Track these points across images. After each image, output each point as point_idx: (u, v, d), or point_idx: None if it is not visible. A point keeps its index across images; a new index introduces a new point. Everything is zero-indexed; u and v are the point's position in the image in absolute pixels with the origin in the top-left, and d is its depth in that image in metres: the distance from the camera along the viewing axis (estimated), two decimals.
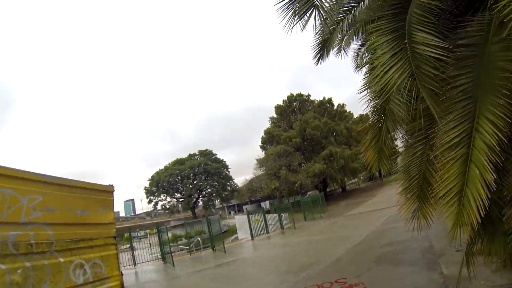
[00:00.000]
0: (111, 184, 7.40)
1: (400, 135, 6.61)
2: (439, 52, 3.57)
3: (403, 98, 4.43)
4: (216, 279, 11.53)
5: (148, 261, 18.97)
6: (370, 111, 5.72)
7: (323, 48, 7.62)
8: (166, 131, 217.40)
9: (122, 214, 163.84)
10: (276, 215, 25.21)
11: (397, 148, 6.71)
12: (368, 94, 5.74)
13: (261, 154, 51.58)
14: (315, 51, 7.70)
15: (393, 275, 7.88)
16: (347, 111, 56.94)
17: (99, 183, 7.32)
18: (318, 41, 7.46)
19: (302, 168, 44.49)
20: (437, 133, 4.05)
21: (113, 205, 7.26)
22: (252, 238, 21.59)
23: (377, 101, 5.40)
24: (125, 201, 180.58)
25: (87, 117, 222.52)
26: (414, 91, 4.23)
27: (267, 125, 54.40)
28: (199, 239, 22.64)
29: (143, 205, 74.91)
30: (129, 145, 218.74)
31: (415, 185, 5.06)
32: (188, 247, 21.62)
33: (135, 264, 18.37)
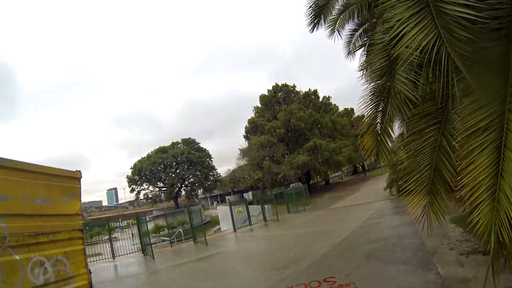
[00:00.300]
0: (78, 170, 6.59)
1: (399, 123, 6.01)
2: (471, 13, 2.84)
3: (413, 76, 3.83)
4: (196, 275, 10.79)
5: (129, 253, 17.98)
6: (370, 93, 4.96)
7: (319, 15, 6.96)
8: (149, 120, 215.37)
9: (105, 203, 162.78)
10: (259, 206, 24.56)
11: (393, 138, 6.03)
12: (367, 75, 5.14)
13: (244, 144, 50.94)
14: (310, 18, 7.05)
15: (385, 274, 7.27)
16: (333, 103, 56.76)
17: (64, 168, 6.47)
18: (313, 7, 6.79)
19: (286, 159, 43.93)
20: (456, 116, 3.42)
21: (80, 194, 6.45)
22: (235, 230, 20.94)
23: (379, 81, 4.70)
24: (107, 190, 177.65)
25: (69, 102, 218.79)
26: (424, 69, 3.66)
27: (251, 115, 53.72)
28: (181, 230, 21.94)
29: (126, 195, 73.58)
30: (112, 134, 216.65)
31: (426, 178, 4.31)
32: (169, 239, 20.85)
33: (114, 256, 17.40)
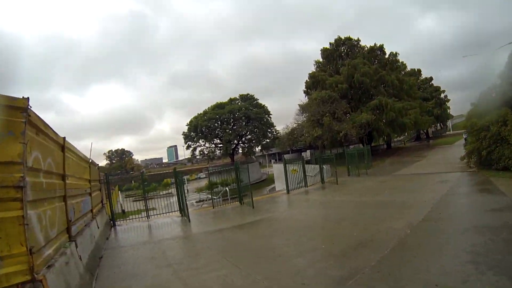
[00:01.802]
0: (25, 97, 4.33)
1: None
2: None
3: None
4: (226, 250, 8.61)
5: (169, 212, 16.57)
6: None
7: None
8: (208, 80, 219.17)
9: (165, 160, 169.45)
10: (317, 166, 22.05)
11: None
12: None
13: (304, 100, 47.80)
14: None
15: None
16: (400, 61, 51.79)
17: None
18: None
19: (348, 117, 40.42)
20: None
21: (24, 132, 4.21)
22: (288, 192, 18.73)
23: None
24: (168, 147, 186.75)
25: (130, 68, 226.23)
26: None
27: (311, 72, 50.14)
28: (227, 189, 20.10)
29: (185, 152, 73.42)
30: (173, 94, 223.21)
31: None
32: (215, 197, 19.10)
33: (148, 216, 15.96)
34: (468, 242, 6.65)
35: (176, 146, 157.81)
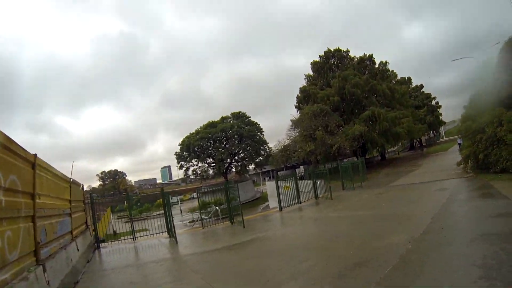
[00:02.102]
0: None
1: None
2: None
3: None
4: (213, 274, 7.83)
5: (156, 233, 15.85)
6: None
7: None
8: (200, 100, 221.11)
9: (159, 180, 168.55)
10: (311, 182, 21.31)
11: None
12: None
13: (296, 115, 47.36)
14: None
15: None
16: (390, 70, 51.79)
17: None
18: None
19: (340, 130, 39.86)
20: None
21: None
22: (281, 209, 17.98)
23: None
24: (161, 168, 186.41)
25: (123, 90, 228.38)
26: None
27: (303, 84, 49.92)
28: (217, 208, 19.32)
29: (178, 172, 72.68)
30: (165, 115, 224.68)
31: None
32: (206, 217, 18.31)
33: (134, 237, 15.26)
34: (478, 254, 5.93)
35: (169, 166, 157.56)
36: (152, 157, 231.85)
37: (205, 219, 17.93)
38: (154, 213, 60.81)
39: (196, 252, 10.71)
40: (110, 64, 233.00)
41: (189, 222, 29.55)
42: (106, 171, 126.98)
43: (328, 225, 12.06)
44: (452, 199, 12.48)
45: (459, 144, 35.86)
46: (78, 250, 10.00)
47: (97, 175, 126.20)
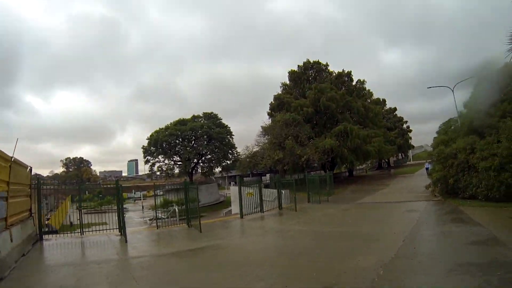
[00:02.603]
0: None
1: None
2: None
3: None
4: (155, 286, 6.78)
5: (110, 229, 14.43)
6: None
7: None
8: (173, 96, 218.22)
9: (125, 173, 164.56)
10: (275, 191, 20.41)
11: None
12: None
13: (267, 122, 46.45)
14: None
15: None
16: (366, 88, 51.89)
17: None
18: None
19: (311, 142, 39.21)
20: None
21: None
22: (242, 216, 16.89)
23: None
24: (128, 161, 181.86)
25: (96, 76, 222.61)
26: None
27: (278, 92, 49.31)
28: (176, 208, 18.15)
29: (145, 167, 70.64)
30: (137, 107, 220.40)
31: None
32: (164, 217, 17.17)
33: (82, 232, 13.81)
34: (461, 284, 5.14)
35: (137, 160, 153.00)
36: (120, 149, 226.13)
37: (162, 218, 16.83)
38: (115, 207, 59.20)
39: (143, 255, 9.50)
40: (86, 47, 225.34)
41: (149, 219, 28.16)
42: (71, 158, 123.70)
43: (290, 239, 11.06)
44: (422, 221, 12.00)
45: (427, 168, 36.09)
46: (12, 240, 8.74)
47: (61, 161, 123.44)
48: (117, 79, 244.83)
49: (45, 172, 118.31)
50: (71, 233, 14.08)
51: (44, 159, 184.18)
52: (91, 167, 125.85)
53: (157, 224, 15.08)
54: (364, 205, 19.31)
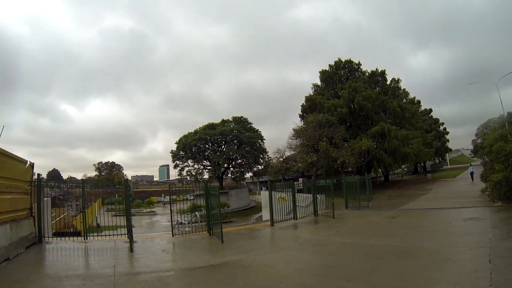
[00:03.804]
0: None
1: None
2: None
3: None
4: None
5: (119, 235, 12.15)
6: None
7: None
8: (202, 103, 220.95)
9: (156, 178, 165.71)
10: (310, 196, 18.04)
11: None
12: None
13: (299, 124, 44.07)
14: None
15: None
16: (402, 88, 48.75)
17: None
18: None
19: (346, 145, 36.52)
20: None
21: None
22: (272, 224, 14.75)
23: None
24: (160, 166, 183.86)
25: (127, 85, 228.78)
26: None
27: (309, 93, 47.01)
28: (197, 214, 16.13)
29: (176, 172, 69.79)
30: (167, 115, 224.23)
31: None
32: (185, 222, 15.24)
33: (86, 236, 11.97)
34: None
35: (168, 165, 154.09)
36: (152, 154, 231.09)
37: (183, 224, 14.89)
38: (144, 210, 58.95)
39: (143, 272, 7.40)
40: (117, 59, 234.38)
41: (175, 224, 26.60)
42: (103, 162, 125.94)
43: (332, 255, 8.63)
44: (497, 232, 9.38)
45: (471, 173, 32.99)
46: None
47: (94, 165, 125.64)
48: (147, 88, 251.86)
49: (79, 176, 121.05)
50: (77, 237, 12.21)
51: (79, 164, 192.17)
52: (123, 171, 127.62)
53: (172, 231, 12.95)
54: (411, 212, 16.67)
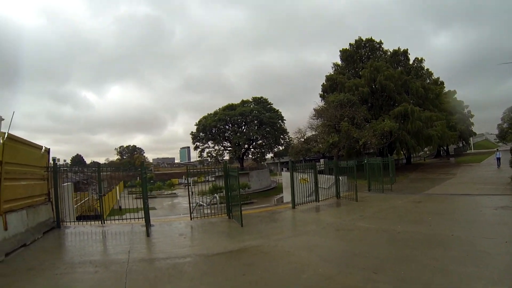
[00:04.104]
0: None
1: None
2: None
3: None
4: None
5: (137, 218, 12.04)
6: None
7: None
8: (221, 85, 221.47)
9: (177, 160, 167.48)
10: (332, 177, 17.58)
11: None
12: None
13: (320, 104, 43.15)
14: None
15: None
16: (425, 68, 47.02)
17: None
18: None
19: (368, 125, 35.61)
20: None
21: None
22: (294, 206, 14.43)
23: None
24: (181, 148, 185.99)
25: (145, 70, 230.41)
26: None
27: (330, 72, 45.95)
28: (217, 196, 15.88)
29: (197, 153, 70.09)
30: (186, 97, 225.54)
31: None
32: (204, 204, 15.04)
33: (103, 221, 11.96)
34: None
35: (189, 147, 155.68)
36: (172, 137, 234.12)
37: (202, 205, 14.69)
38: (166, 192, 59.51)
39: (158, 258, 7.23)
40: (134, 45, 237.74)
41: (196, 205, 26.72)
42: (125, 146, 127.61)
43: (355, 241, 8.27)
44: None
45: (498, 158, 31.84)
46: (6, 229, 7.58)
47: (115, 149, 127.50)
48: (165, 72, 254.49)
49: (101, 160, 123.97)
50: (94, 221, 12.04)
51: (101, 149, 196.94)
52: (144, 154, 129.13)
53: (190, 214, 12.75)
54: (436, 197, 16.01)
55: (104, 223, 11.76)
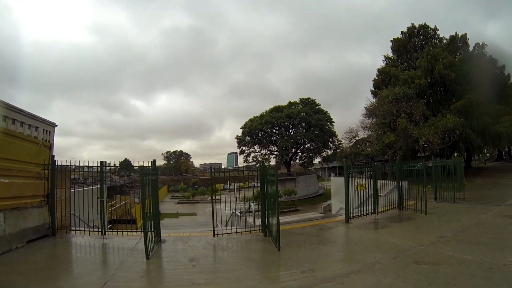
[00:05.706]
0: None
1: None
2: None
3: None
4: None
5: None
6: None
7: None
8: (267, 91, 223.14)
9: (224, 165, 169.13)
10: (389, 183, 14.54)
11: None
12: None
13: (372, 100, 39.45)
14: None
15: None
16: (487, 54, 41.88)
17: None
18: None
19: (427, 122, 31.47)
20: None
21: None
22: (347, 220, 11.40)
23: None
24: (228, 154, 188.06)
25: (192, 78, 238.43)
26: None
27: (382, 65, 42.50)
28: (252, 205, 13.28)
29: (242, 158, 68.83)
30: (233, 103, 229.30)
31: None
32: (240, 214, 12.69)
33: (104, 232, 9.85)
34: None
35: (236, 153, 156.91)
36: (220, 143, 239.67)
37: (238, 215, 12.30)
38: (209, 198, 58.17)
39: None
40: (179, 55, 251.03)
41: (239, 212, 24.70)
42: (171, 152, 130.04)
43: (445, 285, 5.28)
44: None
45: None
46: None
47: (162, 154, 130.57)
48: (211, 79, 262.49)
49: (147, 164, 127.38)
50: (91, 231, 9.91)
51: (150, 154, 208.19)
52: (190, 159, 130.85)
53: (214, 229, 9.92)
54: None
55: (104, 234, 9.65)
